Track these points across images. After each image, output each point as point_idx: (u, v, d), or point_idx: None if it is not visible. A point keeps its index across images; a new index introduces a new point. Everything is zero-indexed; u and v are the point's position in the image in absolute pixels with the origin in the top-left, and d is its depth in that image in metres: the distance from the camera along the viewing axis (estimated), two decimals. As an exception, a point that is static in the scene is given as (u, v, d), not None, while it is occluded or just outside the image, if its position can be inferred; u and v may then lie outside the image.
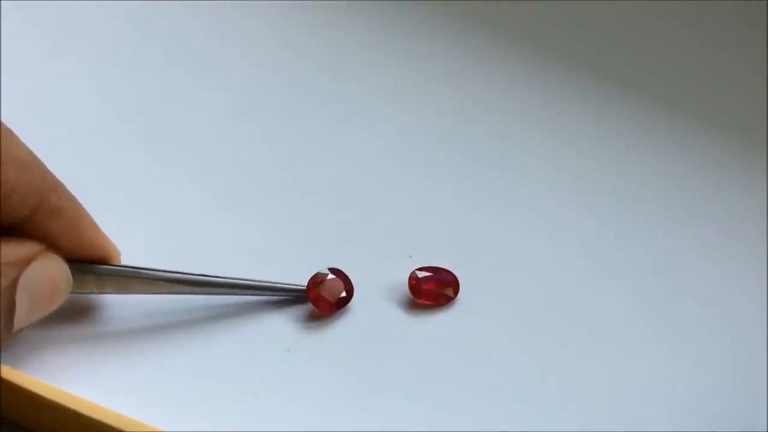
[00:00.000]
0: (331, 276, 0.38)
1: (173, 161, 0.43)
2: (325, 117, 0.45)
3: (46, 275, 0.33)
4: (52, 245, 0.34)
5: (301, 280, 0.38)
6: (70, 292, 0.35)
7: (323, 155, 0.44)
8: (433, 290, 0.38)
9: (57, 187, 0.34)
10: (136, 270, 0.36)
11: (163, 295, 0.37)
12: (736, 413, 0.36)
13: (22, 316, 0.33)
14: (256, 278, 0.37)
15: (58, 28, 0.48)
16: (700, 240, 0.41)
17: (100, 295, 0.37)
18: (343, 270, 0.38)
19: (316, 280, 0.38)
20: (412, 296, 0.38)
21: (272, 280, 0.38)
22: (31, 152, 0.33)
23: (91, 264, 0.35)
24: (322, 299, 0.37)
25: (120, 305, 0.37)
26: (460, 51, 0.49)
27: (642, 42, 0.49)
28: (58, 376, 0.35)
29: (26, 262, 0.33)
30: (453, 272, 0.39)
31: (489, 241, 0.41)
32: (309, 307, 0.38)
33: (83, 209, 0.35)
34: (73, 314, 0.37)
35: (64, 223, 0.34)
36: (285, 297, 0.38)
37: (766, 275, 0.40)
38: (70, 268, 0.34)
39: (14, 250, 0.33)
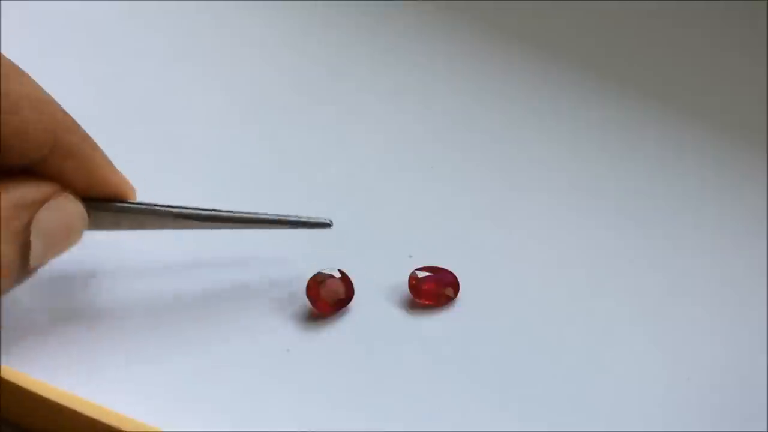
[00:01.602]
0: (331, 276, 0.38)
1: (172, 161, 0.43)
2: (325, 117, 0.45)
3: (60, 216, 0.33)
4: (67, 184, 0.34)
5: (301, 280, 0.38)
6: (87, 230, 0.35)
7: (323, 155, 0.44)
8: (433, 290, 0.38)
9: (71, 126, 0.34)
10: (150, 206, 0.36)
11: (166, 292, 0.37)
12: (736, 413, 0.36)
13: (37, 256, 0.33)
14: (274, 213, 0.37)
15: (57, 27, 0.48)
16: (701, 240, 0.41)
17: (101, 294, 0.37)
18: (343, 270, 0.38)
19: (317, 280, 0.38)
20: (412, 296, 0.38)
21: (294, 215, 0.38)
22: (43, 91, 0.33)
23: (107, 202, 0.35)
24: (322, 300, 0.37)
25: (120, 305, 0.37)
26: (460, 51, 0.49)
27: (642, 42, 0.49)
28: (58, 376, 0.35)
29: (40, 203, 0.33)
30: (453, 272, 0.39)
31: (489, 241, 0.41)
32: (309, 307, 0.38)
33: (98, 148, 0.35)
34: (73, 314, 0.37)
35: (78, 163, 0.34)
36: (306, 228, 0.38)
37: (766, 275, 0.40)
38: (85, 206, 0.34)
39: (28, 191, 0.32)
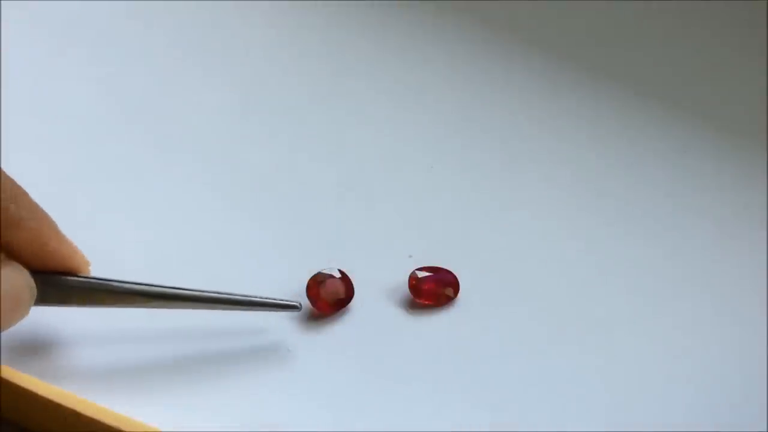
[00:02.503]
0: (331, 276, 0.38)
1: (173, 161, 0.43)
2: (326, 117, 0.45)
3: (7, 287, 0.32)
4: (12, 256, 0.32)
5: (301, 281, 0.38)
6: (35, 305, 0.33)
7: (323, 155, 0.44)
8: (433, 290, 0.38)
9: (16, 197, 0.32)
10: (105, 282, 0.34)
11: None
12: (736, 413, 0.36)
13: None
14: (239, 293, 0.35)
15: (58, 27, 0.48)
16: (700, 241, 0.41)
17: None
18: (343, 270, 0.38)
19: (317, 280, 0.38)
20: (412, 296, 0.38)
21: (258, 295, 0.36)
22: None
23: (56, 275, 0.34)
24: (322, 299, 0.37)
25: (119, 305, 0.37)
26: (461, 51, 0.49)
27: (642, 42, 0.49)
28: (58, 376, 0.35)
29: None
30: (453, 272, 0.39)
31: (489, 241, 0.41)
32: (309, 307, 0.38)
33: (47, 218, 0.33)
34: (73, 314, 0.37)
35: (25, 235, 0.32)
36: (272, 311, 0.36)
37: (766, 275, 0.40)
38: (33, 278, 0.33)
39: None
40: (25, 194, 0.33)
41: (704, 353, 0.37)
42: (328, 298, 0.38)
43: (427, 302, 0.38)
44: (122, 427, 0.33)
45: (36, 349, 0.36)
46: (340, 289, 0.38)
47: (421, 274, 0.38)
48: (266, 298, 0.36)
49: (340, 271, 0.38)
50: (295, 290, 0.38)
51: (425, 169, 0.43)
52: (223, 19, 0.49)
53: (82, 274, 0.34)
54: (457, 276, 0.39)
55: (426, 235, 0.41)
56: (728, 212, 0.42)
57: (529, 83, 0.47)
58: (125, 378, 0.35)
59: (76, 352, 0.36)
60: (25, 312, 0.33)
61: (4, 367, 0.34)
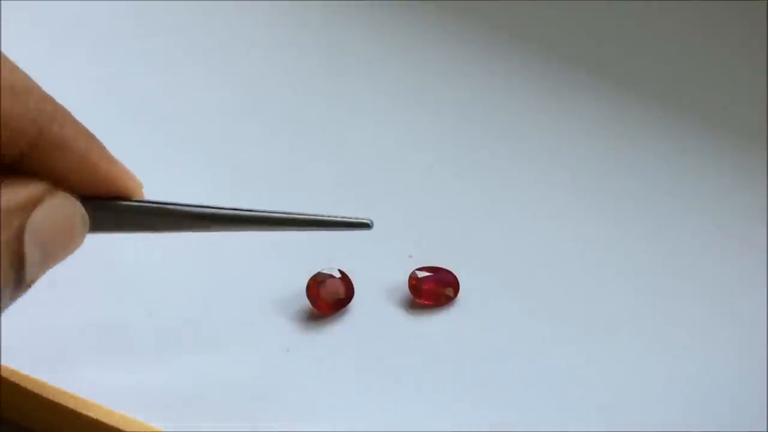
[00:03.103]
0: (331, 276, 0.38)
1: (173, 161, 0.43)
2: (326, 117, 0.45)
3: (57, 218, 0.28)
4: (61, 182, 0.29)
5: (301, 281, 0.38)
6: (88, 233, 0.30)
7: (323, 155, 0.44)
8: (433, 290, 0.38)
9: (59, 114, 0.29)
10: (162, 205, 0.31)
11: (166, 292, 0.37)
12: (736, 413, 0.36)
13: (34, 267, 0.28)
14: (299, 212, 0.32)
15: (58, 27, 0.48)
16: (700, 241, 0.41)
17: (102, 293, 0.37)
18: (343, 270, 0.38)
19: (317, 280, 0.38)
20: (412, 296, 0.38)
21: (327, 214, 0.33)
22: (25, 76, 0.28)
23: (109, 200, 0.30)
24: (322, 299, 0.38)
25: (119, 306, 0.37)
26: (461, 51, 0.49)
27: (642, 42, 0.49)
28: (58, 376, 0.35)
29: (32, 205, 0.28)
30: (453, 272, 0.39)
31: (489, 241, 0.41)
32: (309, 307, 0.38)
33: (94, 138, 0.30)
34: (73, 314, 0.37)
35: (71, 156, 0.29)
36: (344, 229, 0.33)
37: (766, 275, 0.40)
38: (84, 206, 0.29)
39: (15, 192, 0.27)
40: (66, 111, 0.29)
41: (704, 353, 0.37)
42: (328, 298, 0.38)
43: (427, 302, 0.38)
44: (122, 427, 0.33)
45: (36, 349, 0.36)
46: (340, 289, 0.38)
47: (421, 274, 0.38)
48: (335, 216, 0.33)
49: (340, 271, 0.38)
50: (295, 290, 0.38)
51: (425, 169, 0.43)
52: (223, 19, 0.49)
53: (136, 198, 0.31)
54: (457, 276, 0.39)
55: (426, 235, 0.41)
56: (728, 212, 0.42)
57: (529, 83, 0.47)
58: (125, 378, 0.35)
59: (76, 351, 0.36)
60: (80, 242, 0.30)
61: (4, 367, 0.34)
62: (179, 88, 0.46)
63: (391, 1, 0.50)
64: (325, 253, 0.40)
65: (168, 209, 0.31)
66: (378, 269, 0.39)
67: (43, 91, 0.29)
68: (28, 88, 0.28)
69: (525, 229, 0.41)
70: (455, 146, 0.44)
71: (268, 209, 0.32)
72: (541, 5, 0.51)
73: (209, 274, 0.39)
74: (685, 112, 0.46)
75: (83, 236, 0.30)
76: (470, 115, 0.46)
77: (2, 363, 0.34)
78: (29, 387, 0.34)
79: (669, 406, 0.36)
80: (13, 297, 0.28)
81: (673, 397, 0.36)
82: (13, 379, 0.34)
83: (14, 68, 0.28)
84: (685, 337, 0.38)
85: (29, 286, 0.28)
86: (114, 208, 0.30)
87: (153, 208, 0.31)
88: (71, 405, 0.33)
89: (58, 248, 0.29)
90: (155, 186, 0.42)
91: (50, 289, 0.37)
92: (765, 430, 0.35)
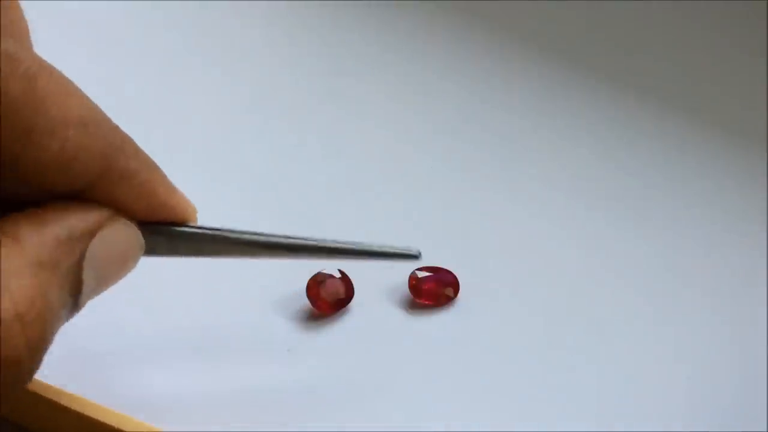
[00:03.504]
0: (331, 276, 0.38)
1: (172, 161, 0.43)
2: (326, 116, 0.45)
3: (116, 245, 0.29)
4: (121, 208, 0.29)
5: (301, 281, 0.38)
6: (143, 256, 0.31)
7: (323, 155, 0.44)
8: (433, 290, 0.38)
9: (125, 146, 0.30)
10: (213, 231, 0.31)
11: (166, 292, 0.37)
12: (736, 413, 0.36)
13: (90, 292, 0.29)
14: (357, 242, 0.33)
15: (58, 27, 0.48)
16: (700, 241, 0.41)
17: (102, 293, 0.37)
18: (343, 270, 0.38)
19: (317, 280, 0.38)
20: (412, 296, 0.38)
21: (377, 244, 0.33)
22: (95, 108, 0.29)
23: (164, 225, 0.31)
24: (322, 299, 0.37)
25: (120, 306, 0.37)
26: (461, 51, 0.49)
27: (642, 41, 0.49)
28: (59, 376, 0.35)
29: (93, 233, 0.28)
30: (453, 272, 0.39)
31: (489, 241, 0.41)
32: (309, 307, 0.38)
33: (156, 167, 0.31)
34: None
35: (135, 186, 0.29)
36: (392, 261, 0.33)
37: (766, 275, 0.40)
38: (141, 230, 0.30)
39: (78, 220, 0.28)
40: (132, 142, 0.30)
41: (704, 353, 0.37)
42: (328, 298, 0.38)
43: (427, 302, 0.38)
44: (122, 427, 0.33)
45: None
46: (340, 289, 0.38)
47: (421, 274, 0.38)
48: (385, 247, 0.33)
49: (340, 271, 0.38)
50: (295, 290, 0.38)
51: (425, 169, 0.43)
52: (223, 19, 0.49)
53: (191, 223, 0.31)
54: (457, 276, 0.39)
55: (426, 235, 0.41)
56: (729, 212, 0.42)
57: (529, 83, 0.47)
58: (125, 378, 0.35)
59: (77, 351, 0.36)
60: (133, 266, 0.30)
61: (4, 367, 0.34)
62: (179, 89, 0.46)
63: (391, 1, 0.50)
64: (325, 253, 0.40)
65: (221, 236, 0.31)
66: (378, 269, 0.39)
67: (112, 122, 0.29)
68: (98, 121, 0.29)
69: (525, 228, 0.41)
70: (455, 146, 0.44)
71: (317, 238, 0.32)
72: (541, 5, 0.51)
73: (209, 274, 0.39)
74: (686, 111, 0.46)
75: (138, 260, 0.30)
76: (470, 115, 0.46)
77: (2, 363, 0.34)
78: (29, 387, 0.34)
79: (669, 406, 0.36)
80: (68, 319, 0.29)
81: (672, 397, 0.36)
82: (13, 379, 0.34)
83: (82, 98, 0.29)
84: (685, 337, 0.38)
85: (80, 309, 0.29)
86: (168, 233, 0.31)
87: (207, 234, 0.31)
88: (71, 405, 0.33)
89: (115, 273, 0.30)
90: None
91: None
92: (765, 430, 0.35)
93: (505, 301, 0.39)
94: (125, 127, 0.44)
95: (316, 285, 0.38)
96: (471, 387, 0.36)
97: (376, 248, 0.33)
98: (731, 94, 0.47)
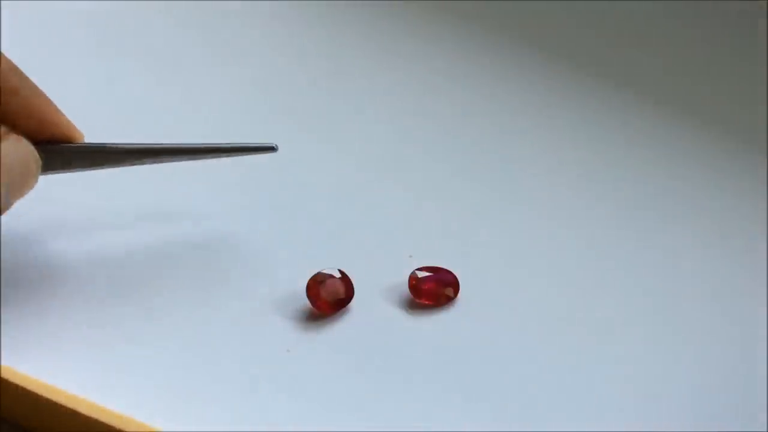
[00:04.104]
0: (331, 276, 0.38)
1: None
2: (326, 117, 0.45)
3: (12, 155, 0.34)
4: (15, 128, 0.34)
5: (301, 281, 0.38)
6: (42, 173, 0.35)
7: (323, 155, 0.44)
8: (433, 290, 0.38)
9: (11, 68, 0.34)
10: (101, 145, 0.37)
11: (166, 292, 0.37)
12: (736, 413, 0.36)
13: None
14: (222, 142, 0.39)
15: (58, 27, 0.48)
16: (700, 241, 0.41)
17: (102, 293, 0.37)
18: (343, 270, 0.38)
19: (317, 280, 0.38)
20: (412, 296, 0.38)
21: (238, 142, 0.39)
22: None
23: (57, 144, 0.36)
24: (322, 299, 0.37)
25: (120, 306, 0.37)
26: (461, 51, 0.49)
27: (642, 42, 0.49)
28: (58, 376, 0.35)
29: None
30: (453, 272, 0.39)
31: (489, 241, 0.41)
32: (309, 307, 0.38)
33: (42, 93, 0.35)
34: (73, 314, 0.37)
35: (25, 105, 0.35)
36: (253, 154, 0.39)
37: (766, 275, 0.40)
38: (36, 149, 0.35)
39: None
40: (19, 69, 0.35)
41: (704, 353, 0.37)
42: (328, 298, 0.38)
43: (427, 302, 0.38)
44: (122, 427, 0.33)
45: (36, 349, 0.36)
46: (340, 289, 0.38)
47: (421, 274, 0.38)
48: (244, 144, 0.39)
49: (340, 271, 0.38)
50: (295, 290, 0.38)
51: (425, 169, 0.43)
52: (223, 19, 0.49)
53: (79, 142, 0.36)
54: (457, 276, 0.39)
55: (426, 235, 0.41)
56: (728, 212, 0.42)
57: (529, 83, 0.47)
58: (125, 378, 0.35)
59: (76, 351, 0.36)
60: (34, 182, 0.35)
61: (4, 367, 0.34)
62: (179, 89, 0.46)
63: (391, 1, 0.50)
64: (326, 253, 0.40)
65: (106, 147, 0.37)
66: (378, 269, 0.39)
67: (7, 59, 0.34)
68: None
69: (525, 228, 0.41)
70: (455, 146, 0.44)
71: (180, 142, 0.38)
72: (541, 5, 0.51)
73: (209, 274, 0.39)
74: (686, 112, 0.46)
75: (37, 176, 0.35)
76: (470, 115, 0.46)
77: (2, 363, 0.34)
78: (29, 387, 0.34)
79: (669, 406, 0.36)
80: None
81: (673, 397, 0.36)
82: (13, 379, 0.34)
83: None
84: (685, 337, 0.38)
85: None
86: (61, 150, 0.36)
87: (93, 147, 0.37)
88: (71, 405, 0.33)
89: (19, 182, 0.34)
90: (155, 185, 0.42)
91: (50, 290, 0.37)
92: (765, 430, 0.35)
93: (505, 301, 0.39)
94: (125, 127, 0.44)
95: (316, 285, 0.38)
96: (471, 387, 0.36)
97: (236, 145, 0.39)
98: (731, 94, 0.47)
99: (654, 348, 0.38)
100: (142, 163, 0.37)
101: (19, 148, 0.34)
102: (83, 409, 0.33)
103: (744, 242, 0.41)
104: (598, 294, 0.39)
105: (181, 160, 0.38)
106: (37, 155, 0.35)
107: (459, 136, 0.45)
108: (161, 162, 0.38)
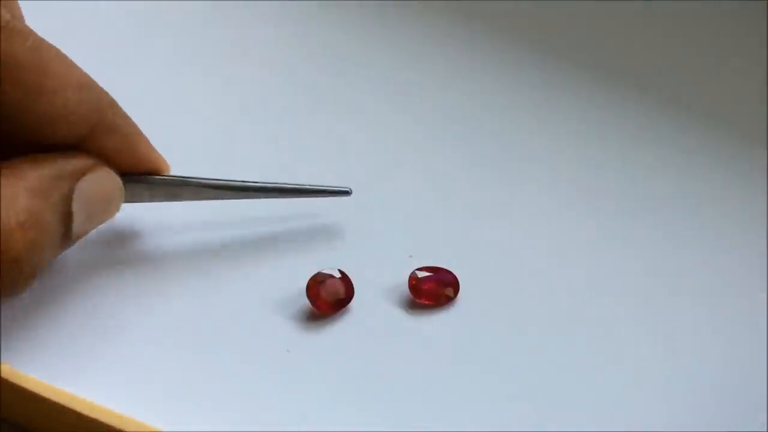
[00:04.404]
0: (331, 276, 0.38)
1: (171, 161, 0.43)
2: (326, 117, 0.45)
3: (99, 187, 0.35)
4: (107, 161, 0.36)
5: (301, 281, 0.38)
6: (125, 201, 0.37)
7: (323, 154, 0.44)
8: (433, 290, 0.38)
9: (114, 107, 0.36)
10: (184, 179, 0.38)
11: (166, 293, 0.37)
12: (736, 413, 0.36)
13: (79, 224, 0.34)
14: (296, 183, 0.40)
15: (58, 27, 0.48)
16: (700, 241, 0.41)
17: (102, 292, 0.37)
18: (343, 270, 0.38)
19: (317, 280, 0.38)
20: (412, 296, 0.38)
21: (312, 184, 0.40)
22: (87, 75, 0.35)
23: (143, 175, 0.37)
24: (322, 299, 0.37)
25: (121, 307, 0.37)
26: (461, 51, 0.49)
27: (642, 42, 0.49)
28: (58, 376, 0.35)
29: (81, 174, 0.35)
30: (453, 272, 0.39)
31: (489, 241, 0.41)
32: (309, 307, 0.38)
33: (137, 128, 0.37)
34: (73, 314, 0.37)
35: (119, 139, 0.36)
36: (328, 197, 0.40)
37: (766, 275, 0.40)
38: (123, 180, 0.36)
39: (69, 163, 0.34)
40: (117, 102, 0.36)
41: (704, 353, 0.37)
42: (328, 298, 0.38)
43: (427, 302, 0.38)
44: (122, 427, 0.33)
45: (36, 349, 0.36)
46: (340, 289, 0.38)
47: (421, 274, 0.38)
48: (321, 186, 0.40)
49: (340, 271, 0.38)
50: (295, 290, 0.38)
51: (425, 169, 0.43)
52: (223, 19, 0.49)
53: (164, 174, 0.38)
54: (457, 276, 0.39)
55: (426, 235, 0.41)
56: (728, 212, 0.42)
57: (529, 83, 0.47)
58: (125, 378, 0.35)
59: (77, 350, 0.36)
60: (116, 210, 0.37)
61: (4, 367, 0.34)
62: (178, 89, 0.46)
63: (391, 1, 0.50)
64: (326, 253, 0.40)
65: (189, 181, 0.38)
66: (378, 269, 0.39)
67: (102, 88, 0.36)
68: (91, 85, 0.35)
69: (525, 228, 0.41)
70: (455, 146, 0.44)
71: (261, 180, 0.39)
72: (540, 5, 0.51)
73: (209, 274, 0.39)
74: (685, 111, 0.46)
75: (120, 204, 0.37)
76: (470, 115, 0.46)
77: (2, 363, 0.34)
78: (29, 387, 0.34)
79: (669, 406, 0.36)
80: (62, 248, 0.34)
81: (673, 397, 0.36)
82: (13, 379, 0.34)
83: (76, 66, 0.35)
84: (685, 337, 0.38)
85: (74, 241, 0.35)
86: (146, 181, 0.38)
87: (177, 180, 0.38)
88: (72, 405, 0.33)
89: (100, 212, 0.36)
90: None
91: (50, 290, 0.37)
92: (765, 430, 0.35)
93: (505, 301, 0.39)
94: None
95: (316, 285, 0.38)
96: (471, 387, 0.36)
97: (314, 187, 0.40)
98: (731, 94, 0.47)
99: (654, 348, 0.38)
100: (219, 198, 0.39)
101: (105, 181, 0.36)
102: (83, 409, 0.33)
103: (745, 242, 0.41)
104: (598, 293, 0.39)
105: (259, 198, 0.39)
106: (122, 186, 0.36)
107: (459, 136, 0.45)
108: (239, 198, 0.39)
